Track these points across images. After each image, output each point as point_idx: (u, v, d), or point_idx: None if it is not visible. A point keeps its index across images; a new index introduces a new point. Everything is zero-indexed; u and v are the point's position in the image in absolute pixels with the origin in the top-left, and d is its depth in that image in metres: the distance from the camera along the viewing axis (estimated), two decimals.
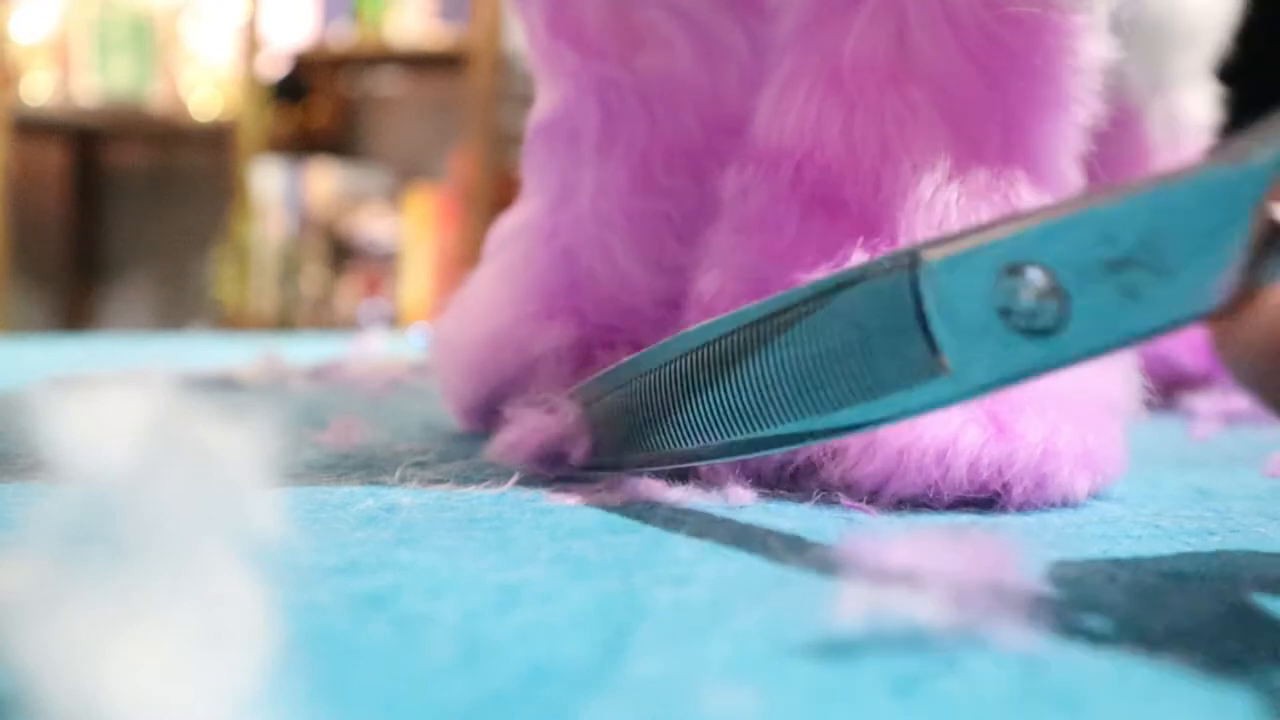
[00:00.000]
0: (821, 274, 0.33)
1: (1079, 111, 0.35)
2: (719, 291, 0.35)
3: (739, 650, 0.19)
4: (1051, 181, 0.35)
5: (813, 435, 0.26)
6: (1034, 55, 0.34)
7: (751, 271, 0.35)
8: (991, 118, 0.34)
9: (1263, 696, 0.17)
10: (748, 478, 0.32)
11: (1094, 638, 0.20)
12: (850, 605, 0.19)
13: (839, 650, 0.19)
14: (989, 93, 0.34)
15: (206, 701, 0.13)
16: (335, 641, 0.19)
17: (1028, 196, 0.35)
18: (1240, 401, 0.56)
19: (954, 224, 0.34)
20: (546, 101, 0.45)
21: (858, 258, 0.33)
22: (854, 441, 0.31)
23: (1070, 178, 0.36)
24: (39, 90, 2.14)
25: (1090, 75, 0.35)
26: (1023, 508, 0.31)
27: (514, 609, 0.21)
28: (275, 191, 2.27)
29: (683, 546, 0.26)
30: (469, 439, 0.43)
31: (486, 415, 0.45)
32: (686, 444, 0.28)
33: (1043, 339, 0.22)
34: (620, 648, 0.19)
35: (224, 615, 0.14)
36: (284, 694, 0.15)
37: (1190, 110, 0.67)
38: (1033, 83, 0.34)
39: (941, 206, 0.34)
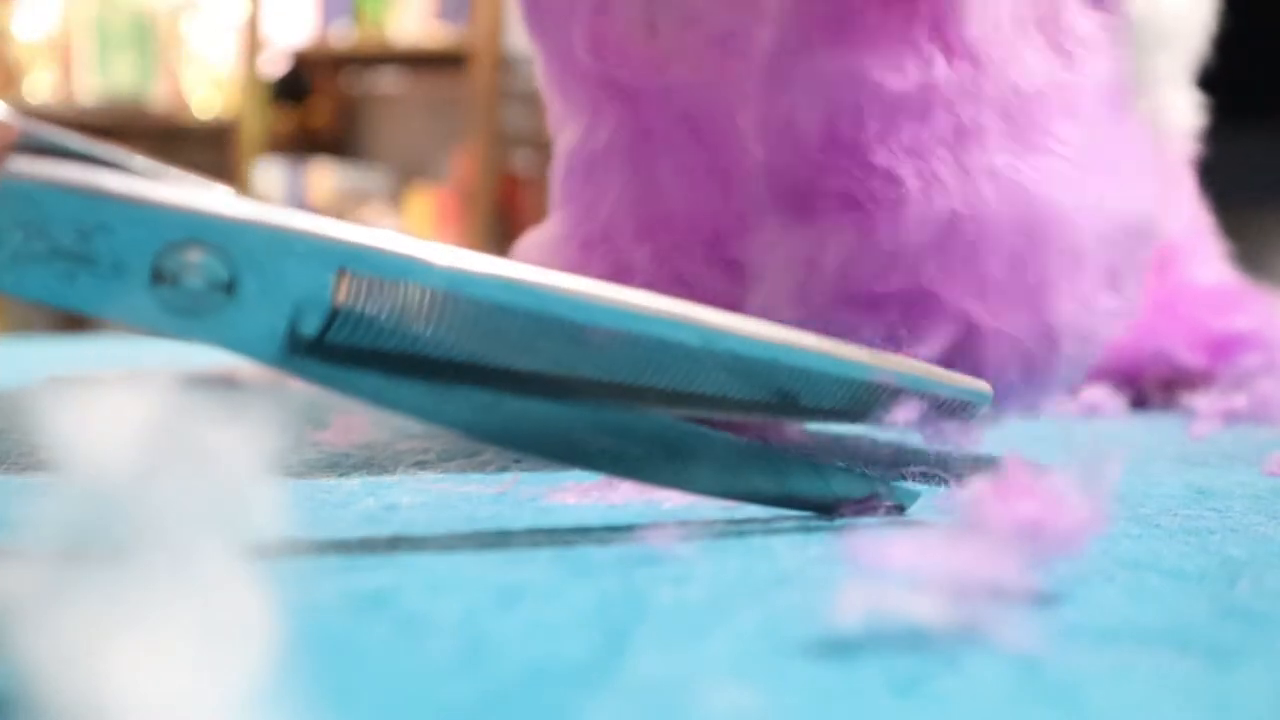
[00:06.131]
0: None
1: None
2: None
3: (739, 650, 0.19)
4: None
5: None
6: None
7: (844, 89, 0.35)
8: None
9: (1262, 696, 0.17)
10: None
11: (1094, 638, 0.20)
12: (850, 605, 0.19)
13: (839, 650, 0.19)
14: None
15: (206, 701, 0.13)
16: (336, 641, 0.19)
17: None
18: (1240, 400, 0.55)
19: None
20: (579, 125, 0.45)
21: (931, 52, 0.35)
22: None
23: None
24: (40, 89, 2.14)
25: None
26: None
27: (514, 608, 0.21)
28: (276, 191, 2.27)
29: (683, 546, 0.26)
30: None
31: None
32: None
33: None
34: (620, 647, 0.19)
35: (224, 615, 0.14)
36: (284, 694, 0.15)
37: (1173, 112, 0.67)
38: None
39: None
